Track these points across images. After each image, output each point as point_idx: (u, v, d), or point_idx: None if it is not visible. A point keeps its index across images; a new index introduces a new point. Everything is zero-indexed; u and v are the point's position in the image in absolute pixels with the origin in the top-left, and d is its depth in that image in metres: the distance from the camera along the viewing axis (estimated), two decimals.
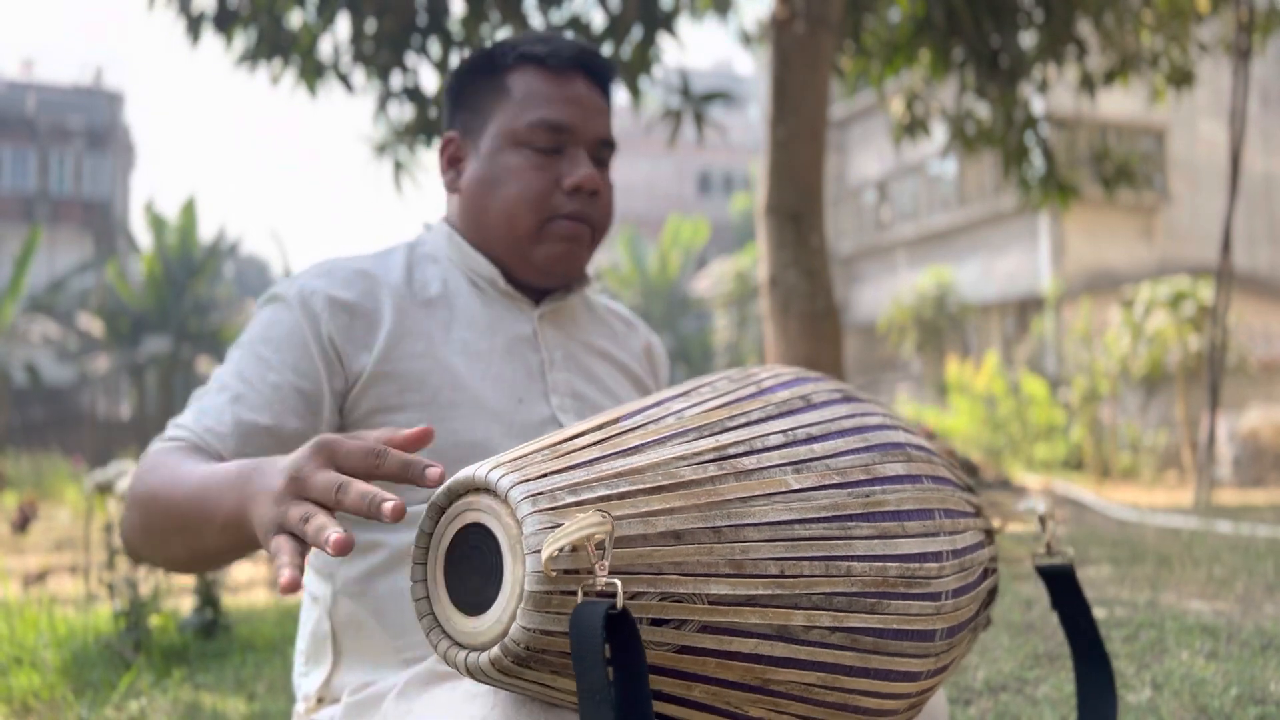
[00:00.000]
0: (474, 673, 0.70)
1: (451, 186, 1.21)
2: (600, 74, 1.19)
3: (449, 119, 1.21)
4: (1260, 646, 2.50)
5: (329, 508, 0.71)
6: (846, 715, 0.80)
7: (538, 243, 1.15)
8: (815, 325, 4.62)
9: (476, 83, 1.18)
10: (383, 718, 0.95)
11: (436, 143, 6.08)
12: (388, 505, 0.67)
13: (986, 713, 2.16)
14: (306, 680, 1.11)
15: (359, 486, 0.69)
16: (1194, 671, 2.30)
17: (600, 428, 0.78)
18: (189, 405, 1.06)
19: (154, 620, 3.24)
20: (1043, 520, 0.99)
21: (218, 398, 1.04)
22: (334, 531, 0.67)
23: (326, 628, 1.08)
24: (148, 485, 0.95)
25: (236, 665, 3.03)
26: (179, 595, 3.94)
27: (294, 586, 0.67)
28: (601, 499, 0.70)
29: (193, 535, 0.89)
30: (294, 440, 1.03)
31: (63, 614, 3.61)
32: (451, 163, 1.21)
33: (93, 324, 21.20)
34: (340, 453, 0.73)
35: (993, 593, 0.98)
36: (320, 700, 1.08)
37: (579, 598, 0.65)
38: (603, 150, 1.19)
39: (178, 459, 0.96)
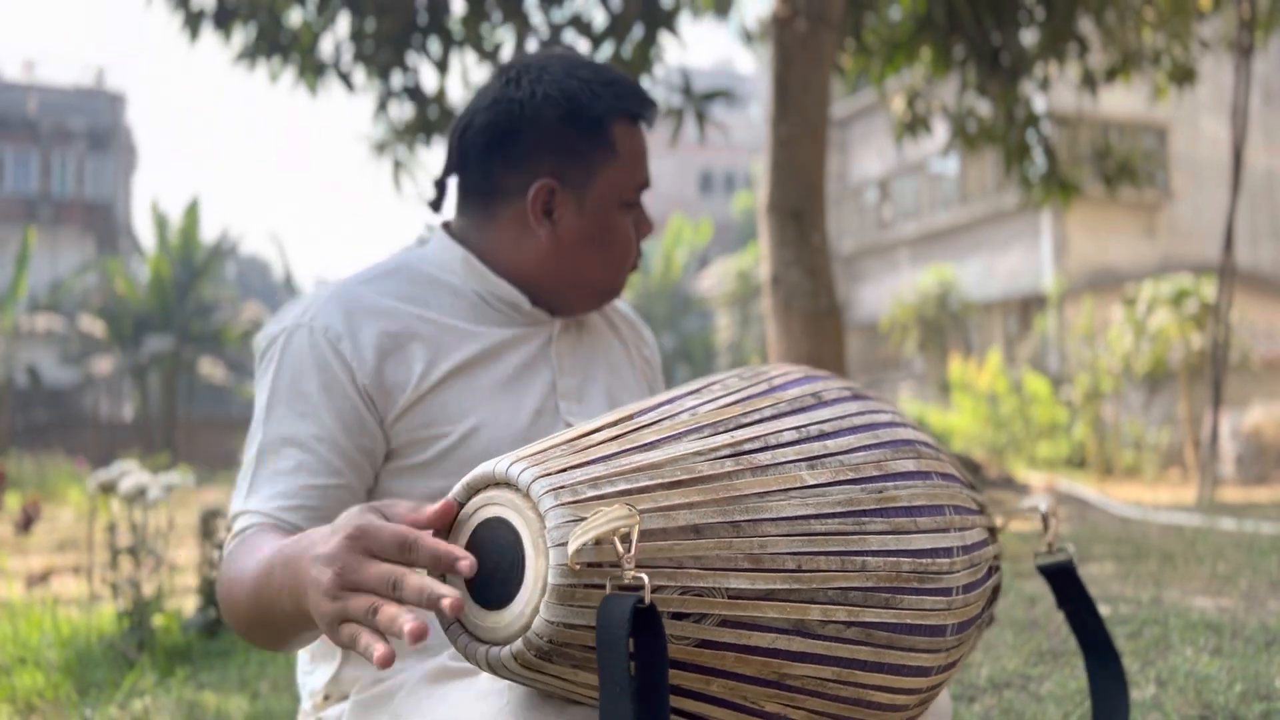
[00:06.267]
0: (495, 667, 0.69)
1: (549, 238, 1.15)
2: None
3: (534, 162, 1.13)
4: (1264, 643, 2.50)
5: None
6: (860, 710, 0.80)
7: (615, 291, 1.20)
8: (817, 323, 4.62)
9: (577, 131, 1.12)
10: (394, 715, 0.95)
11: (436, 142, 6.12)
12: (446, 601, 0.67)
13: (991, 710, 2.16)
14: (312, 678, 1.10)
15: (413, 582, 0.69)
16: (1198, 668, 2.30)
17: (616, 424, 0.79)
18: (246, 483, 1.04)
19: (157, 620, 3.24)
20: (1045, 519, 0.99)
21: (280, 465, 1.03)
22: (408, 620, 0.67)
23: None
24: (224, 586, 0.96)
25: (240, 664, 3.03)
26: (182, 595, 3.95)
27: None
28: (622, 493, 0.70)
29: (277, 630, 0.90)
30: (362, 487, 1.06)
31: (66, 614, 3.61)
32: (546, 212, 1.15)
33: (95, 325, 21.19)
34: (375, 543, 0.72)
35: (997, 589, 0.99)
36: (328, 697, 1.08)
37: (606, 590, 0.65)
38: None
39: (245, 549, 0.95)
